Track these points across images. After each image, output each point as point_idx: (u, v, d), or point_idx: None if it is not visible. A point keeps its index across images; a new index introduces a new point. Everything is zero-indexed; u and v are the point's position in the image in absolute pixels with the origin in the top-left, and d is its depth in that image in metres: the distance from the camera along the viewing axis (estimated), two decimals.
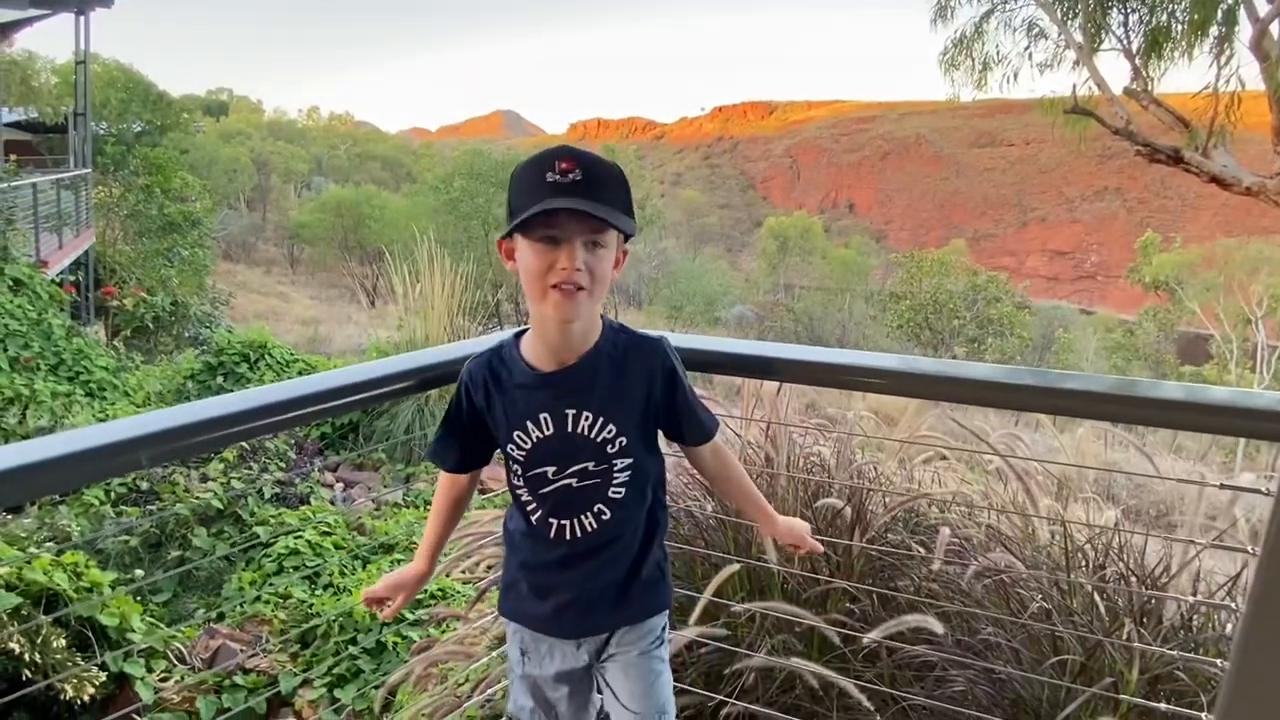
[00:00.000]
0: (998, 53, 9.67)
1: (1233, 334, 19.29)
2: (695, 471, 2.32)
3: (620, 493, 1.22)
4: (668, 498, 2.23)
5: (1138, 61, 8.13)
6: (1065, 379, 1.32)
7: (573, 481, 1.20)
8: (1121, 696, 1.46)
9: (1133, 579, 1.65)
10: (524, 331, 1.25)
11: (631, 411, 1.21)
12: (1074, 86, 8.37)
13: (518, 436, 1.20)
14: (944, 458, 2.29)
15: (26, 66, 19.20)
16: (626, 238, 1.17)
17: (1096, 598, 1.62)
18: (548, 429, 1.19)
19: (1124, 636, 1.49)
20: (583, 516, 1.22)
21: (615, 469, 1.21)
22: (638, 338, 1.24)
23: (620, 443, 1.19)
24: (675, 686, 1.89)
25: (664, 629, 1.36)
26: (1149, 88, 8.00)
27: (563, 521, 1.22)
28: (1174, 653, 1.44)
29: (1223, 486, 1.22)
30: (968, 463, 2.41)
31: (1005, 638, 1.68)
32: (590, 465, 1.20)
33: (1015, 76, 9.49)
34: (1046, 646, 1.63)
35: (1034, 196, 72.87)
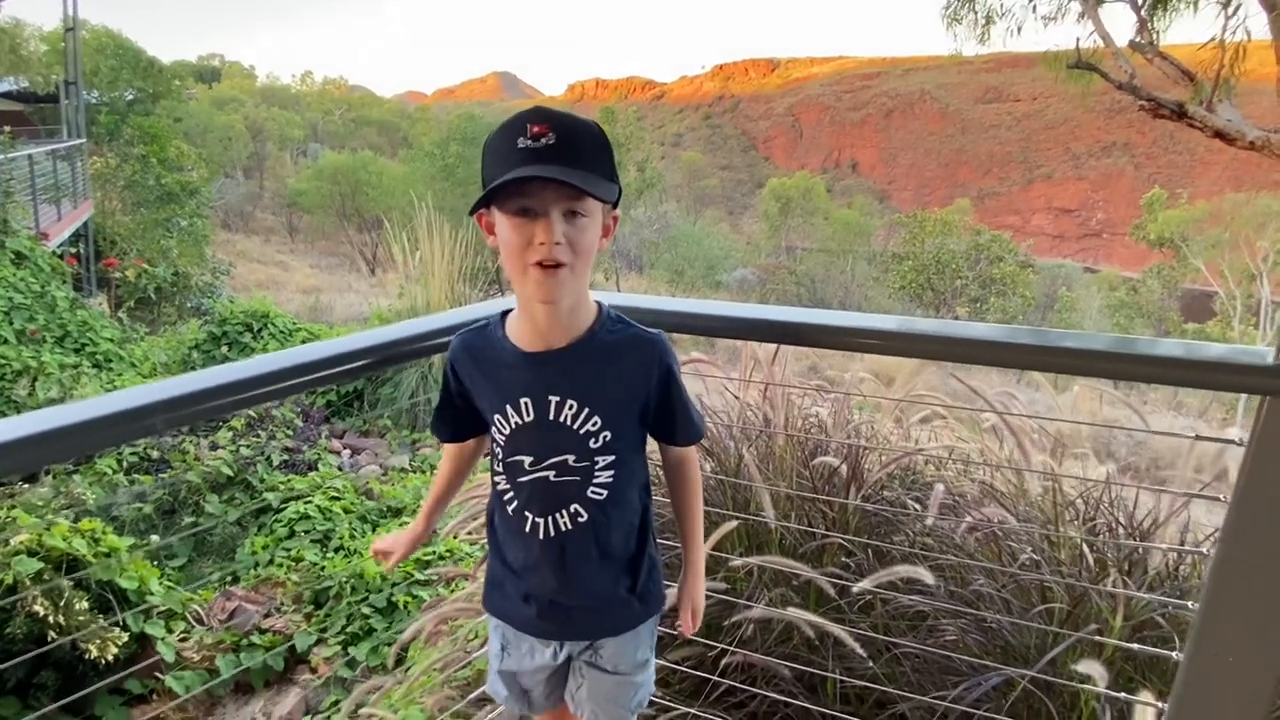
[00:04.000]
0: (1001, 5, 9.45)
1: (1237, 290, 19.21)
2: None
3: (600, 494, 1.14)
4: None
5: (1143, 13, 7.96)
6: (1063, 338, 1.33)
7: (550, 474, 1.13)
8: (1106, 640, 1.51)
9: (1120, 530, 1.70)
10: (511, 310, 1.17)
11: (621, 407, 1.13)
12: (1077, 40, 8.20)
13: (498, 420, 1.13)
14: (942, 417, 2.33)
15: (15, 34, 18.91)
16: (614, 204, 1.09)
17: (1085, 549, 1.67)
18: (528, 415, 1.11)
19: (1109, 585, 1.55)
20: (558, 515, 1.14)
21: (597, 466, 1.13)
22: (637, 332, 1.15)
23: (604, 438, 1.12)
24: (678, 637, 1.97)
25: (653, 632, 1.31)
26: (1154, 40, 7.84)
27: (537, 518, 1.15)
28: (1154, 598, 1.49)
29: (1198, 438, 1.25)
30: (965, 421, 2.45)
31: (995, 588, 1.73)
32: (570, 459, 1.12)
33: (1019, 30, 9.29)
34: (1035, 596, 1.69)
35: (1040, 153, 71.87)
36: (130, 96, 18.31)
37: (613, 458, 1.13)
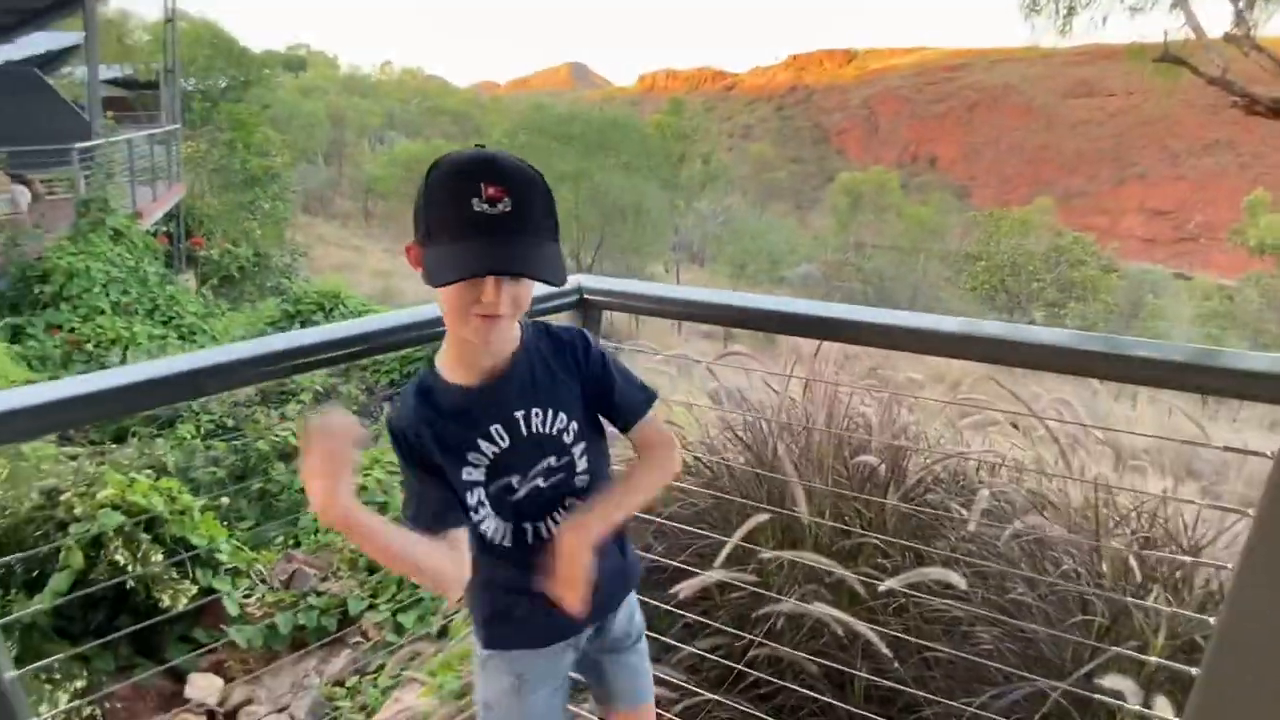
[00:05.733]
0: None
1: None
2: (734, 427, 2.34)
3: (585, 479, 1.19)
4: (706, 454, 2.28)
5: (1241, 3, 7.41)
6: (1136, 346, 1.26)
7: (539, 482, 1.16)
8: (1146, 658, 1.46)
9: (1171, 546, 1.63)
10: (434, 357, 1.18)
11: (572, 398, 1.18)
12: (1165, 33, 7.68)
13: (472, 458, 1.13)
14: (996, 423, 2.26)
15: (121, 25, 20.17)
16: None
17: (1133, 562, 1.60)
18: (503, 440, 1.13)
19: (1151, 600, 1.49)
20: (555, 514, 1.18)
21: (575, 456, 1.18)
22: (558, 334, 1.21)
23: (573, 429, 1.17)
24: (708, 627, 1.98)
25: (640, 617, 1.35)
26: (1250, 32, 7.29)
27: (536, 524, 1.18)
28: (1187, 614, 1.43)
29: (1226, 449, 1.19)
30: (1023, 428, 2.35)
31: (1034, 598, 1.68)
32: (552, 460, 1.16)
33: (1105, 21, 8.78)
34: (1075, 608, 1.64)
35: (1134, 151, 67.84)
36: (223, 84, 19.34)
37: (584, 444, 1.19)
